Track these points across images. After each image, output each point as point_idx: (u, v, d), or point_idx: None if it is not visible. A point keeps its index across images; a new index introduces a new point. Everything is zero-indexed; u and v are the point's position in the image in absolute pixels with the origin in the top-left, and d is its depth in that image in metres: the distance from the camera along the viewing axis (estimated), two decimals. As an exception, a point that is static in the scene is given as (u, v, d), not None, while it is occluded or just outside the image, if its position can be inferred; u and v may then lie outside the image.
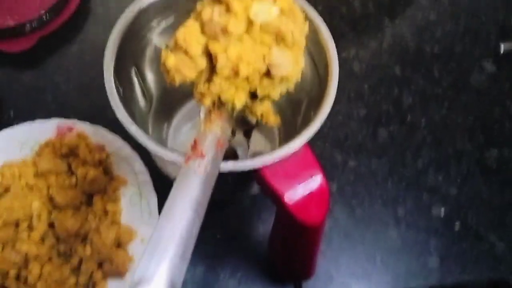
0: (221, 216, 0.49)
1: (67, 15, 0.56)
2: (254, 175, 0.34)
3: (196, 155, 0.31)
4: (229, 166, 0.32)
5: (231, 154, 0.46)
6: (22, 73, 0.54)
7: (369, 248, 0.48)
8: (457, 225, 0.50)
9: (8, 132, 0.48)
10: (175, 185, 0.30)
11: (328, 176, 0.51)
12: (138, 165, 0.47)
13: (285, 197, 0.32)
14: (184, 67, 0.31)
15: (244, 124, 0.44)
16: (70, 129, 0.49)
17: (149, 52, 0.41)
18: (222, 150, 0.33)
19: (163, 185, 0.47)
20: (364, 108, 0.55)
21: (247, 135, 0.47)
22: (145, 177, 0.47)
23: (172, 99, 0.47)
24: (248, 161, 0.33)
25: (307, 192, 0.33)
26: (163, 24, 0.40)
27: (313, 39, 0.39)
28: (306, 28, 0.34)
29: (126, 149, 0.47)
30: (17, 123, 0.51)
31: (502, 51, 0.59)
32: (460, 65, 0.59)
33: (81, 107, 0.52)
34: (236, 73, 0.31)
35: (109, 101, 0.34)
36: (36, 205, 0.43)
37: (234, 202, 0.50)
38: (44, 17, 0.55)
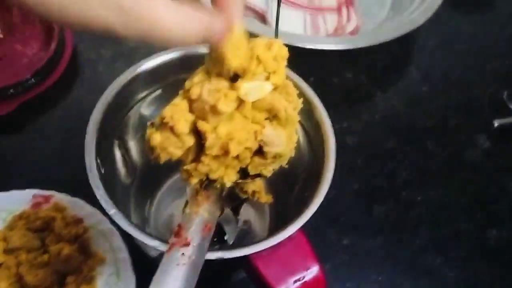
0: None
1: (54, 78, 0.55)
2: (243, 263, 0.31)
3: (180, 242, 0.28)
4: (217, 254, 0.29)
5: (217, 231, 0.43)
6: None
7: (365, 338, 0.45)
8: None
9: (-20, 202, 0.45)
10: (155, 277, 0.27)
11: (322, 254, 0.49)
12: (117, 241, 0.44)
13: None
14: (170, 145, 0.29)
15: (232, 200, 0.41)
16: (46, 200, 0.46)
17: (133, 123, 0.39)
18: (210, 235, 0.30)
19: (143, 264, 0.43)
20: (357, 183, 0.53)
21: (236, 211, 0.44)
22: (124, 255, 0.43)
23: (156, 170, 0.45)
24: (238, 249, 0.30)
25: (302, 285, 0.30)
26: (151, 96, 0.38)
27: (307, 114, 0.38)
28: (299, 103, 0.32)
29: (105, 224, 0.44)
30: (-10, 193, 0.48)
31: (495, 126, 0.59)
32: (454, 140, 0.58)
33: (60, 176, 0.49)
34: (226, 152, 0.29)
35: (89, 179, 0.32)
36: (3, 286, 0.39)
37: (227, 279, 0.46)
38: (29, 81, 0.53)
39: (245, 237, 0.47)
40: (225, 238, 0.44)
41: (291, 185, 0.40)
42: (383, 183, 0.53)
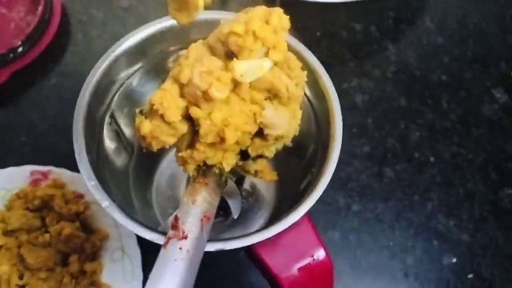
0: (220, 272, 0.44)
1: (44, 45, 0.52)
2: (246, 253, 0.30)
3: (177, 236, 0.26)
4: (216, 246, 0.28)
5: (221, 207, 0.41)
6: (-7, 111, 0.50)
7: (376, 305, 0.44)
8: (470, 277, 0.46)
9: (-23, 181, 0.43)
10: (152, 273, 0.25)
11: (330, 221, 0.48)
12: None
13: (283, 280, 0.28)
14: (161, 134, 0.27)
15: (235, 174, 0.40)
16: (45, 176, 0.44)
17: (125, 100, 0.36)
18: (209, 225, 0.28)
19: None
20: (368, 145, 0.51)
21: (240, 182, 0.43)
22: (128, 230, 0.42)
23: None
24: (238, 240, 0.28)
25: (309, 273, 0.28)
26: (140, 70, 0.36)
27: (312, 84, 0.35)
28: (303, 77, 0.29)
29: (106, 200, 0.43)
30: (-14, 170, 0.47)
31: (514, 78, 0.55)
32: (469, 95, 0.54)
33: (58, 150, 0.48)
34: (222, 139, 0.27)
35: (78, 167, 0.30)
36: (5, 269, 0.39)
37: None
38: (18, 48, 0.50)
39: (252, 208, 0.45)
40: (230, 211, 0.43)
41: (299, 157, 0.38)
42: (395, 144, 0.51)
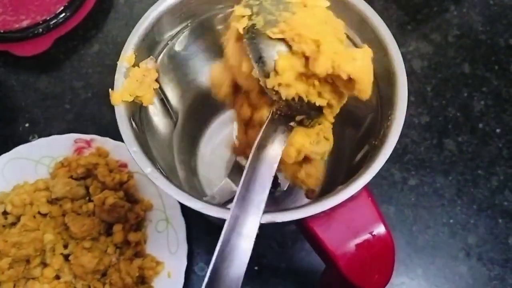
0: (258, 248, 0.42)
1: (86, 11, 0.50)
2: (298, 227, 0.27)
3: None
4: (266, 218, 0.25)
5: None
6: (37, 79, 0.49)
7: (434, 285, 0.41)
8: (541, 259, 0.42)
9: (23, 149, 0.43)
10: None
11: (386, 196, 0.45)
12: (164, 187, 0.41)
13: (338, 257, 0.25)
14: None
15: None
16: (88, 145, 0.43)
17: (168, 64, 0.34)
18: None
19: (193, 211, 0.41)
20: (426, 114, 0.47)
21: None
22: (172, 201, 0.41)
23: (199, 113, 0.41)
24: (292, 211, 0.25)
25: (367, 250, 0.25)
26: (184, 32, 0.33)
27: (374, 44, 0.32)
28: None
29: (150, 169, 0.41)
30: (32, 137, 0.46)
31: None
32: (542, 59, 0.49)
33: (101, 118, 0.47)
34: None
35: (120, 132, 0.28)
36: (49, 237, 0.38)
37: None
38: (61, 14, 0.49)
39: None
40: (279, 182, 0.41)
41: (355, 128, 0.35)
42: (456, 114, 0.47)
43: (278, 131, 0.25)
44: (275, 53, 0.24)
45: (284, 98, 0.24)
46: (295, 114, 0.26)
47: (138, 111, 0.31)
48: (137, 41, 0.30)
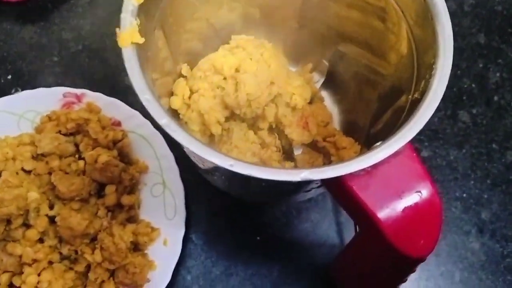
0: (261, 218, 0.39)
1: (78, -43, 0.46)
2: (330, 187, 0.24)
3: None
4: (302, 175, 0.22)
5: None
6: (23, 27, 0.45)
7: (446, 263, 0.39)
8: (556, 237, 0.40)
9: (4, 101, 0.39)
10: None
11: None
12: (162, 147, 0.38)
13: (381, 220, 0.22)
14: None
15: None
16: (78, 100, 0.39)
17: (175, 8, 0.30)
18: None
19: (193, 174, 0.38)
20: (440, 84, 0.44)
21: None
22: (170, 163, 0.38)
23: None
24: (328, 168, 0.22)
25: (413, 212, 0.23)
26: None
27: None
28: None
29: (147, 128, 0.38)
30: (15, 90, 0.42)
31: None
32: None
33: (93, 73, 0.43)
34: None
35: (131, 81, 0.24)
36: (34, 196, 0.34)
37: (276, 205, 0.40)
38: (50, -41, 0.44)
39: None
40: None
41: (374, 86, 0.33)
42: (471, 85, 0.45)
43: None
44: None
45: None
46: None
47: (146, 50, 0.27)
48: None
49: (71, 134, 0.37)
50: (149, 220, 0.37)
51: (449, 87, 0.44)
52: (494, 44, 0.46)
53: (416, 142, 0.42)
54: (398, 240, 0.22)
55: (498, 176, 0.42)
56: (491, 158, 0.42)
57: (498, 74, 0.45)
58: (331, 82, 0.40)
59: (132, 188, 0.37)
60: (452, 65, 0.45)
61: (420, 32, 0.28)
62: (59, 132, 0.37)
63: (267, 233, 0.39)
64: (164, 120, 0.23)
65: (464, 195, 0.41)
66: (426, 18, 0.27)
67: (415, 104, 0.25)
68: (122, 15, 0.25)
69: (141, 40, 0.25)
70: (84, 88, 0.39)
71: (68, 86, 0.40)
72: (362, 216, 0.23)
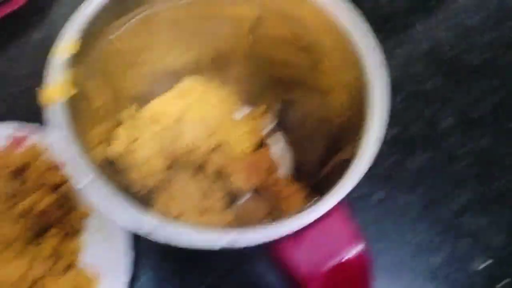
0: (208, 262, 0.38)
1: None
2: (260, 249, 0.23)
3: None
4: (224, 240, 0.21)
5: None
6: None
7: (396, 310, 0.38)
8: (504, 285, 0.40)
9: None
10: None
11: (350, 209, 0.42)
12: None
13: (308, 283, 0.21)
14: None
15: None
16: (22, 140, 0.38)
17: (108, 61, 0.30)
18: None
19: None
20: (394, 127, 0.45)
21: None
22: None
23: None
24: (252, 232, 0.21)
25: (341, 274, 0.22)
26: (124, 27, 0.29)
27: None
28: None
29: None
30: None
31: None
32: (507, 81, 0.49)
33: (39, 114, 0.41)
34: None
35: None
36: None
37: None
38: (1, -6, 0.44)
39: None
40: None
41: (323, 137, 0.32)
42: (424, 129, 0.45)
43: None
44: None
45: None
46: None
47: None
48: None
49: (13, 177, 0.36)
50: (93, 265, 0.35)
51: (401, 132, 0.45)
52: (446, 87, 0.47)
53: (370, 187, 0.42)
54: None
55: (448, 220, 0.42)
56: (441, 203, 0.42)
57: (449, 119, 0.46)
58: (285, 123, 0.40)
59: (74, 232, 0.36)
60: (406, 109, 0.46)
61: (355, 90, 0.28)
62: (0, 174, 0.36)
63: (213, 279, 0.38)
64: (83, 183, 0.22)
65: (416, 239, 0.41)
66: (361, 81, 0.27)
67: (346, 164, 0.25)
68: (49, 71, 0.24)
69: (68, 94, 0.24)
70: (34, 126, 0.38)
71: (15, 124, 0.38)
72: (291, 279, 0.22)
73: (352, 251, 0.22)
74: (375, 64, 0.27)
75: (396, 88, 0.46)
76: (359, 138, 0.25)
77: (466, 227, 0.42)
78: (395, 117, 0.45)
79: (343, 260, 0.22)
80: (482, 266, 0.40)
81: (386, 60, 0.47)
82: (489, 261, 0.40)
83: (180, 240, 0.20)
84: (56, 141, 0.23)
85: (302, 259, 0.22)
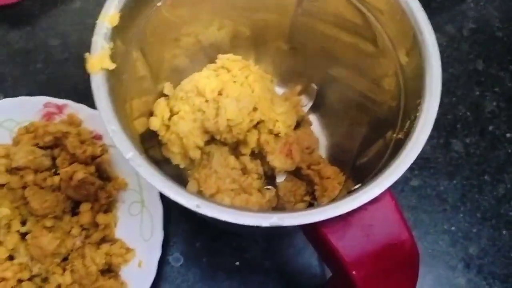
0: (241, 242, 0.38)
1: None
2: (306, 232, 0.23)
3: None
4: (271, 220, 0.20)
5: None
6: (7, 32, 0.43)
7: (429, 297, 0.38)
8: (545, 276, 0.39)
9: (-18, 109, 0.38)
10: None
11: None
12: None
13: (354, 269, 0.21)
14: None
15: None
16: (60, 111, 0.38)
17: (156, 29, 0.29)
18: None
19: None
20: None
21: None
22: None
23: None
24: (300, 214, 0.21)
25: (387, 262, 0.21)
26: None
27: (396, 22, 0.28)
28: None
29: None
30: (-5, 97, 0.41)
31: None
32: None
33: (78, 83, 0.41)
34: None
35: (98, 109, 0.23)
36: (5, 211, 0.33)
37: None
38: (40, -38, 0.43)
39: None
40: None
41: (363, 120, 0.31)
42: (466, 113, 0.43)
43: None
44: None
45: None
46: None
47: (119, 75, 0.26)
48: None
49: (49, 147, 0.36)
50: (125, 240, 0.36)
51: (443, 114, 0.43)
52: (492, 71, 0.45)
53: (406, 172, 0.41)
54: (371, 291, 0.21)
55: (488, 210, 0.40)
56: (482, 191, 0.41)
57: (494, 103, 0.44)
58: (320, 105, 0.38)
59: (108, 206, 0.36)
60: (448, 91, 0.44)
61: (408, 67, 0.27)
62: (37, 145, 0.36)
63: (246, 258, 0.38)
64: (130, 154, 0.21)
65: (453, 228, 0.40)
66: (414, 55, 0.25)
67: (398, 145, 0.24)
68: (94, 38, 0.24)
69: (111, 66, 0.24)
70: (67, 98, 0.38)
71: (51, 95, 0.38)
72: (336, 263, 0.22)
73: (397, 240, 0.21)
74: (430, 42, 0.25)
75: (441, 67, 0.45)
76: (414, 119, 0.24)
77: (507, 217, 0.40)
78: (437, 100, 0.43)
79: (388, 249, 0.21)
80: (521, 257, 0.39)
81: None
82: (530, 253, 0.39)
83: (228, 217, 0.20)
84: (99, 111, 0.23)
85: (349, 244, 0.21)
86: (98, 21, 0.24)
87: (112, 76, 0.24)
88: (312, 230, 0.22)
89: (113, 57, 0.24)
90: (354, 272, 0.21)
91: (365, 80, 0.31)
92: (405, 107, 0.26)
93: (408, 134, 0.24)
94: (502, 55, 0.46)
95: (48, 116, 0.38)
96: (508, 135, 0.43)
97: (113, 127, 0.22)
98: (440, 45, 0.45)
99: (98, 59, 0.23)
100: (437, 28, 0.46)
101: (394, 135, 0.26)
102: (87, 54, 0.24)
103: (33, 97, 0.38)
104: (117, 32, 0.24)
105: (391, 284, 0.21)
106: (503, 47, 0.46)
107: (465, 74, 0.45)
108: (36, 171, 0.35)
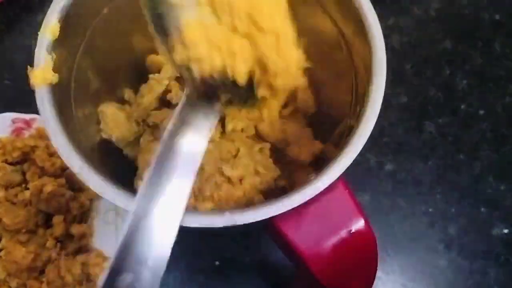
0: (218, 241, 0.38)
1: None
2: (263, 226, 0.23)
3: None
4: (224, 220, 0.21)
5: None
6: (-27, 50, 0.43)
7: (412, 280, 0.38)
8: (526, 251, 0.39)
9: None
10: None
11: (359, 183, 0.41)
12: (114, 172, 0.36)
13: (311, 260, 0.21)
14: None
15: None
16: (28, 125, 0.38)
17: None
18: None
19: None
20: (405, 94, 0.43)
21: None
22: (123, 188, 0.36)
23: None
24: (252, 210, 0.21)
25: (345, 251, 0.21)
26: None
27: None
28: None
29: (97, 153, 0.37)
30: (-35, 116, 0.41)
31: None
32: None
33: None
34: None
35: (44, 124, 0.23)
36: (-23, 230, 0.33)
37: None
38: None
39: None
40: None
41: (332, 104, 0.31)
42: (437, 94, 0.43)
43: (198, 115, 0.21)
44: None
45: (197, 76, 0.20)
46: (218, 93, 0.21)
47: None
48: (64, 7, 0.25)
49: (18, 162, 0.36)
50: (102, 248, 0.36)
51: (414, 97, 0.43)
52: (460, 49, 0.45)
53: (380, 155, 0.41)
54: (329, 281, 0.21)
55: (465, 189, 0.40)
56: (458, 171, 0.41)
57: (465, 82, 0.44)
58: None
59: (82, 216, 0.36)
60: (418, 73, 0.44)
61: (358, 53, 0.26)
62: (6, 161, 0.36)
63: (226, 257, 0.38)
64: (77, 168, 0.21)
65: (430, 209, 0.40)
66: (362, 42, 0.25)
67: (350, 132, 0.24)
68: (36, 51, 0.24)
69: (55, 79, 0.24)
70: (37, 113, 0.38)
71: (20, 111, 0.39)
72: (294, 255, 0.22)
73: (353, 228, 0.21)
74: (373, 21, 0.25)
75: (408, 52, 0.45)
76: (360, 110, 0.24)
77: (483, 195, 0.40)
78: (406, 83, 0.43)
79: (344, 237, 0.21)
80: (501, 233, 0.39)
81: (399, 22, 0.45)
82: (509, 229, 0.39)
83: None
84: (45, 126, 0.23)
85: (303, 236, 0.21)
86: (39, 33, 0.24)
87: (58, 88, 0.24)
88: (268, 225, 0.22)
89: (58, 69, 0.24)
90: (311, 263, 0.21)
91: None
92: (356, 95, 0.26)
93: (358, 122, 0.24)
94: (470, 32, 0.46)
95: (18, 131, 0.38)
96: (481, 112, 0.43)
97: (59, 141, 0.22)
98: (407, 27, 0.46)
99: (41, 73, 0.23)
100: (403, 11, 0.47)
101: (349, 121, 0.26)
102: (29, 69, 0.24)
103: (0, 114, 0.38)
104: (61, 43, 0.24)
105: (351, 271, 0.22)
106: (471, 24, 0.46)
107: (434, 54, 0.45)
108: (6, 187, 0.35)
